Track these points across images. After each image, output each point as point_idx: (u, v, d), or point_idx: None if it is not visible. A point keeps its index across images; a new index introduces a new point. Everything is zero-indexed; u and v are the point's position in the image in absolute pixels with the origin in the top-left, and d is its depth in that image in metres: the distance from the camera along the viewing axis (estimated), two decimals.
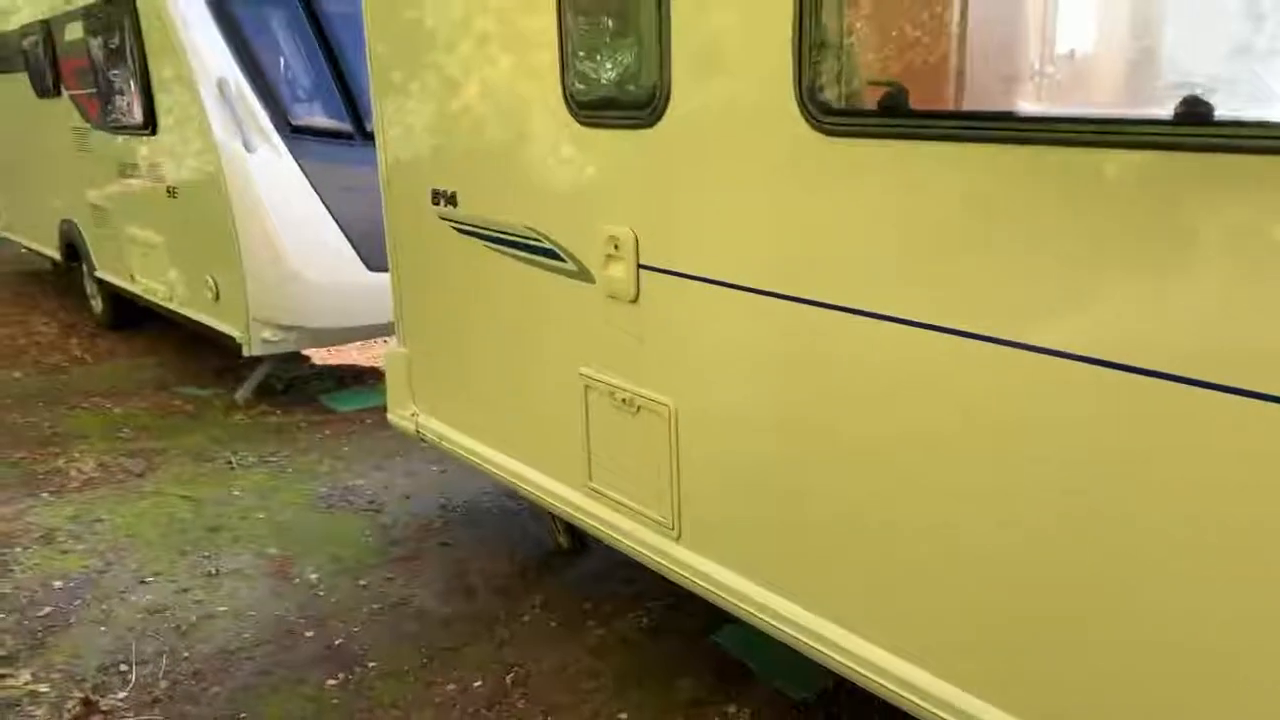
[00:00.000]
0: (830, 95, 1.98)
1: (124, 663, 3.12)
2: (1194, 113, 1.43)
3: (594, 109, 2.57)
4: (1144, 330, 1.53)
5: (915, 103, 1.94)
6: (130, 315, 7.16)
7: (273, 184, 5.08)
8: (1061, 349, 1.64)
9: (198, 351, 6.55)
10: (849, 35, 1.96)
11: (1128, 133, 1.50)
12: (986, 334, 1.77)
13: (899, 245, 1.90)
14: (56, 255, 7.96)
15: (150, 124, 5.62)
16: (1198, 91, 1.45)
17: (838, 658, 2.20)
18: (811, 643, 2.26)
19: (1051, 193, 1.61)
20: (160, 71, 5.41)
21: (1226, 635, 1.52)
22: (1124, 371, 1.56)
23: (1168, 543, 1.57)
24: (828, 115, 1.96)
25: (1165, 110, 1.46)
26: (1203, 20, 1.68)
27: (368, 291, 5.13)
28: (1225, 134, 1.40)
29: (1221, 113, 1.42)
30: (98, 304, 7.47)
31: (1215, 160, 1.40)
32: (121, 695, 2.96)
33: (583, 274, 2.73)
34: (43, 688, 3.00)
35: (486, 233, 3.09)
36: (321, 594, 3.54)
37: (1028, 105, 2.03)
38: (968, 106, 2.05)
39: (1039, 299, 1.67)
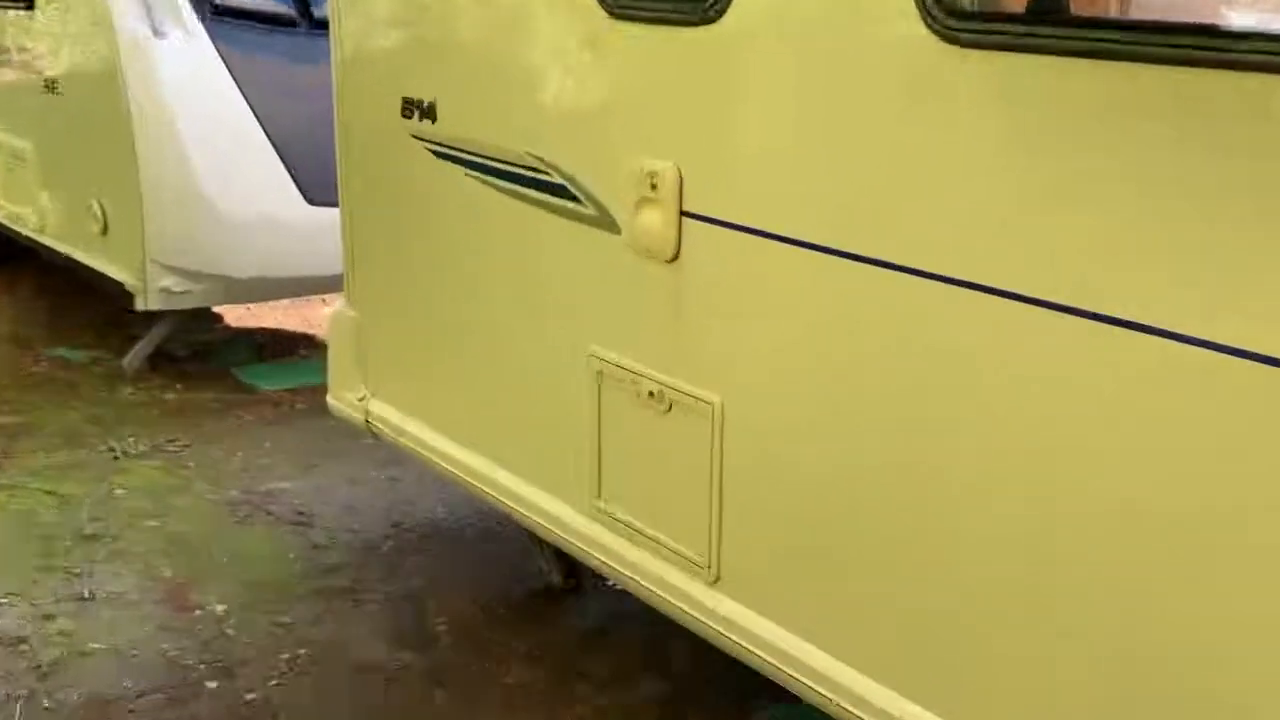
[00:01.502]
0: None
1: None
2: None
3: None
4: None
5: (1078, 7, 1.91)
6: None
7: (186, 81, 5.10)
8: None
9: (76, 302, 6.55)
10: None
11: None
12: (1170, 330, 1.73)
13: (1048, 204, 1.85)
14: None
15: None
16: None
17: None
18: None
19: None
20: None
21: None
22: None
23: None
24: (958, 18, 1.92)
25: None
26: None
27: (306, 232, 5.17)
28: None
29: None
30: None
31: None
32: None
33: (604, 220, 2.74)
34: None
35: (474, 159, 3.10)
36: (230, 633, 3.54)
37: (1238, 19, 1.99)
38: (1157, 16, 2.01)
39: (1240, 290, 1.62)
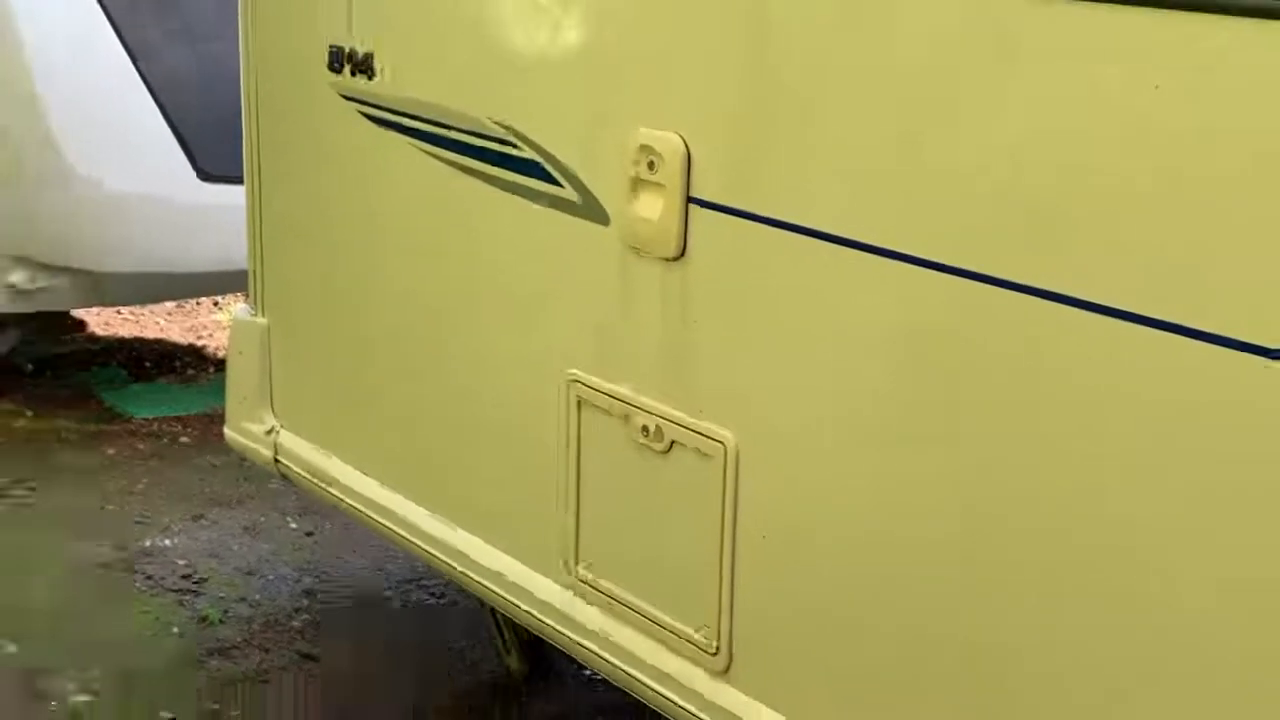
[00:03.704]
0: None
1: None
2: None
3: None
4: None
5: None
6: None
7: (46, 22, 5.11)
8: None
9: None
10: None
11: None
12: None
13: (1159, 202, 1.89)
14: None
15: None
16: None
17: None
18: None
19: None
20: None
21: None
22: None
23: None
24: None
25: None
26: None
27: (199, 214, 5.24)
28: None
29: None
30: None
31: None
32: None
33: (588, 208, 2.76)
34: None
35: (423, 127, 3.13)
36: None
37: None
38: None
39: None
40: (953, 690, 2.28)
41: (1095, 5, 1.92)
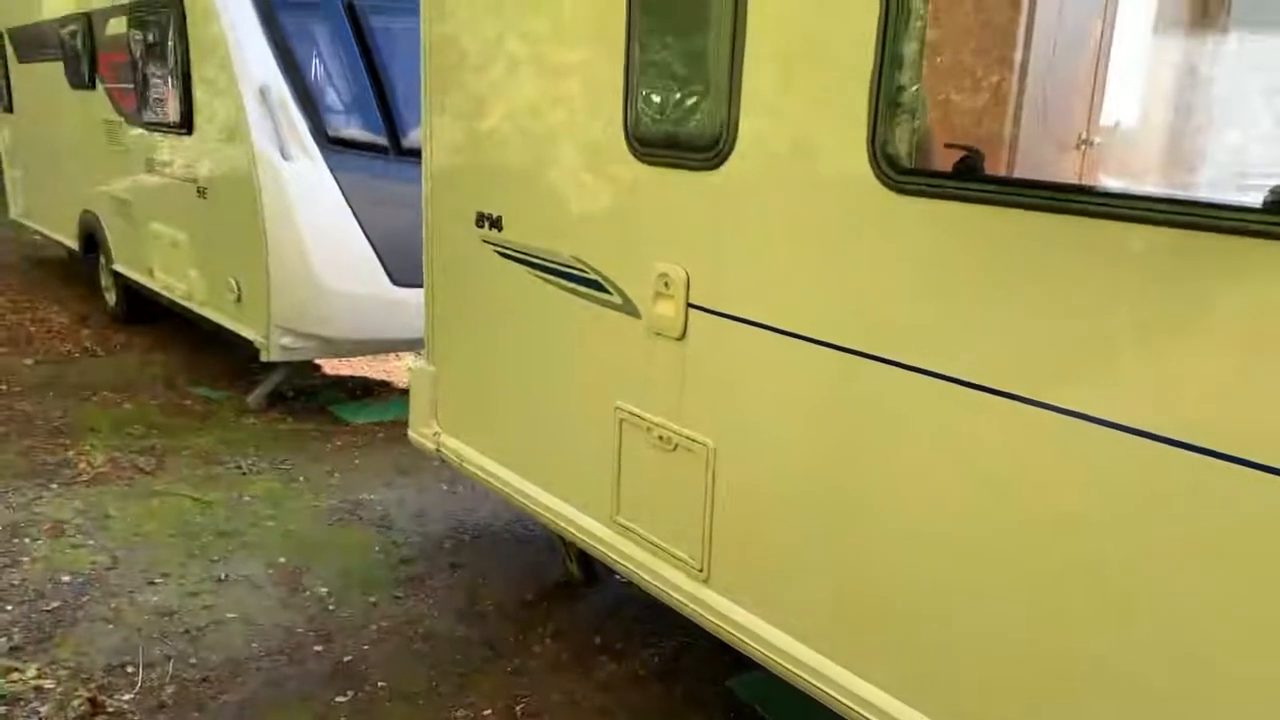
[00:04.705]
0: (903, 154, 2.00)
1: (131, 664, 3.10)
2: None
3: (655, 146, 2.59)
4: (1223, 407, 1.55)
5: (990, 168, 1.96)
6: (143, 310, 7.17)
7: (306, 192, 5.11)
8: (1150, 429, 1.64)
9: (209, 352, 6.55)
10: (927, 96, 1.99)
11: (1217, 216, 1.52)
12: (1044, 401, 1.78)
13: (961, 306, 1.91)
14: (74, 245, 7.97)
15: (187, 124, 5.66)
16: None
17: (863, 713, 2.19)
18: (838, 697, 2.25)
19: (1131, 269, 1.63)
20: (202, 74, 5.45)
21: None
22: (1204, 455, 1.57)
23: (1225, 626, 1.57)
24: (900, 174, 1.99)
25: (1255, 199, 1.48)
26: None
27: (390, 306, 5.18)
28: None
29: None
30: (111, 297, 7.48)
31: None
32: (128, 697, 2.93)
33: (628, 308, 2.75)
34: (48, 684, 2.97)
35: (530, 259, 3.11)
36: (331, 608, 3.52)
37: (1107, 181, 2.06)
38: (1043, 177, 2.07)
39: (1106, 374, 1.68)
40: (824, 582, 2.28)
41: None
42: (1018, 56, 2.54)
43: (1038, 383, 1.78)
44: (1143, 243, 1.62)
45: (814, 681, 2.32)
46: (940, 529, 2.01)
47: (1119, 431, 1.66)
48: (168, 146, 6.00)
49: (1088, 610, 1.76)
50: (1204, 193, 1.91)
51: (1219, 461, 1.55)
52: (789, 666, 2.38)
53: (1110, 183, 2.08)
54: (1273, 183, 1.50)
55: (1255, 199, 1.49)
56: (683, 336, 2.58)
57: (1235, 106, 2.25)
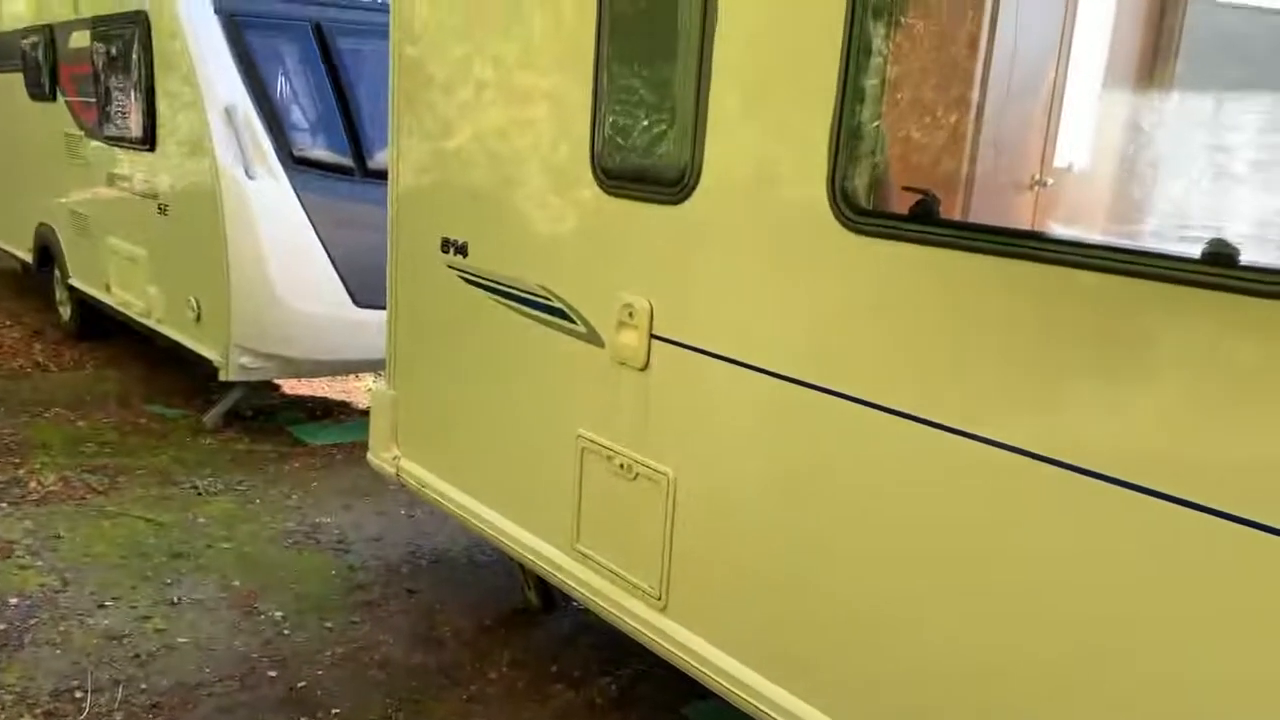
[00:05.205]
0: (861, 195, 2.06)
1: (79, 689, 3.05)
2: (1219, 254, 1.53)
3: (621, 179, 2.63)
4: (1148, 442, 1.61)
5: (946, 212, 2.03)
6: (98, 326, 7.06)
7: (269, 212, 5.08)
8: (1078, 463, 1.70)
9: (165, 369, 6.46)
10: (886, 140, 2.05)
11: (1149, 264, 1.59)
12: (991, 439, 1.84)
13: (914, 345, 1.97)
14: (28, 258, 7.85)
15: (149, 140, 5.61)
16: (1222, 236, 1.55)
17: None
18: None
19: (1077, 312, 1.69)
20: (167, 90, 5.42)
21: None
22: (1134, 491, 1.63)
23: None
24: (858, 214, 2.04)
25: (1193, 250, 1.55)
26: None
27: (352, 327, 5.15)
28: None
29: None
30: (66, 311, 7.37)
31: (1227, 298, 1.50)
32: None
33: (592, 337, 2.77)
34: None
35: (495, 286, 3.12)
36: (286, 633, 3.49)
37: (1055, 227, 2.13)
38: (995, 222, 2.13)
39: (1045, 410, 1.74)
40: (781, 611, 2.31)
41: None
42: (975, 99, 2.62)
43: (985, 420, 1.83)
44: (1089, 287, 1.68)
45: (769, 711, 2.34)
46: (894, 562, 2.05)
47: (1061, 469, 1.72)
48: (129, 162, 5.94)
49: (1040, 640, 1.81)
50: (1148, 241, 1.99)
51: (1158, 501, 1.61)
52: (744, 696, 2.40)
53: (1059, 228, 2.15)
54: (1210, 235, 1.57)
55: (1195, 250, 1.55)
56: (645, 367, 2.60)
57: (1178, 158, 2.34)
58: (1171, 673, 1.62)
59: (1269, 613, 1.50)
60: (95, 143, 6.36)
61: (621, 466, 2.71)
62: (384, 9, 3.59)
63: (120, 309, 6.27)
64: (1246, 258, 1.52)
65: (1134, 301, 1.62)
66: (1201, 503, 1.55)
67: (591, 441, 2.80)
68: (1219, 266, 1.51)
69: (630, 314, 2.61)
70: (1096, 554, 1.70)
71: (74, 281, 7.00)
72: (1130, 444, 1.64)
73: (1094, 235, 2.13)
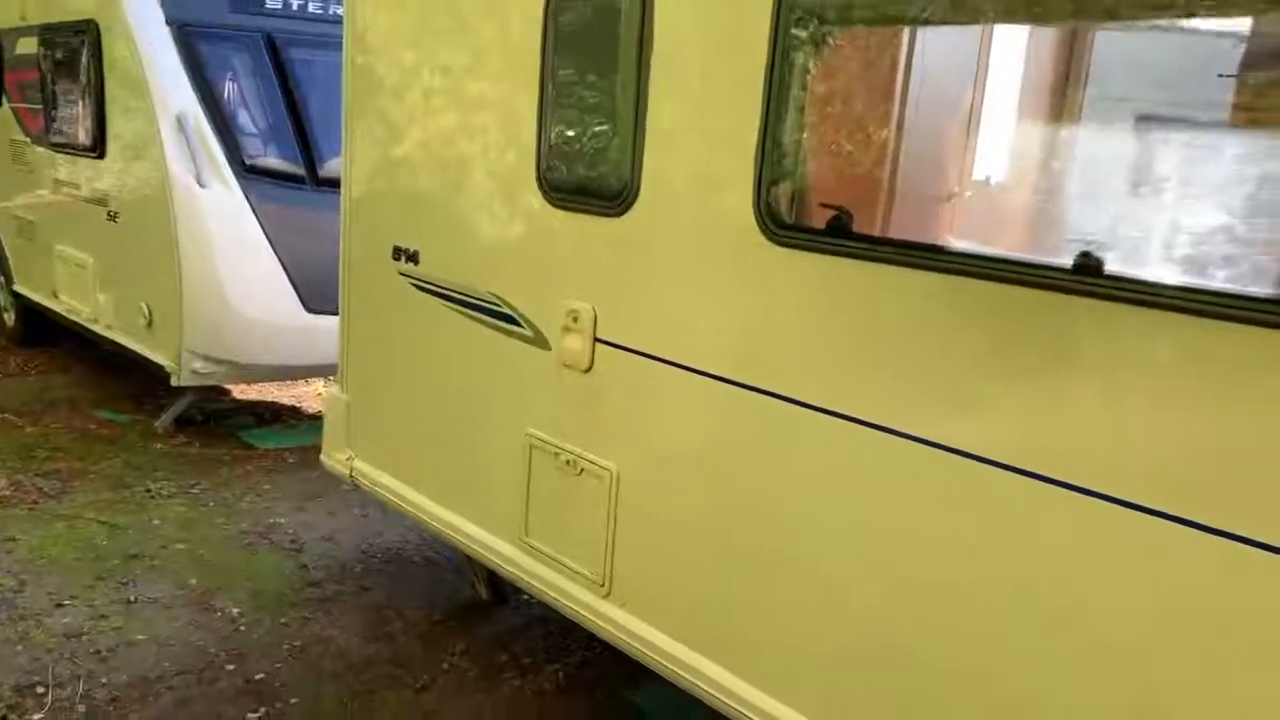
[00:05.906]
0: (784, 210, 2.24)
1: (40, 684, 3.13)
2: (1085, 265, 1.74)
3: (566, 193, 2.78)
4: (1035, 435, 1.82)
5: (858, 227, 2.22)
6: (44, 332, 7.04)
7: (221, 219, 5.14)
8: (971, 450, 1.91)
9: (114, 375, 6.47)
10: (807, 158, 2.24)
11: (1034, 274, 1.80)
12: (897, 429, 2.03)
13: (830, 348, 2.16)
14: None
15: (99, 147, 5.64)
16: (1091, 248, 1.76)
17: (746, 714, 2.38)
18: (735, 705, 2.42)
19: (968, 318, 1.90)
20: (117, 98, 5.46)
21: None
22: (1024, 476, 1.84)
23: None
24: (780, 228, 2.23)
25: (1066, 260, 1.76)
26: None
27: (303, 333, 5.23)
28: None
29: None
30: (10, 318, 7.33)
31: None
32: (38, 717, 2.97)
33: (539, 341, 2.90)
34: None
35: (446, 292, 3.23)
36: (242, 629, 3.58)
37: (952, 239, 2.33)
38: (900, 236, 2.33)
39: (945, 404, 1.94)
40: (722, 596, 2.45)
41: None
42: (894, 118, 2.82)
43: (892, 415, 2.03)
44: (980, 294, 1.89)
45: (709, 689, 2.49)
46: (816, 544, 2.24)
47: (956, 456, 1.92)
48: (77, 169, 5.96)
49: (962, 627, 1.99)
50: (1045, 252, 2.19)
51: (1054, 488, 1.80)
52: (684, 675, 2.55)
53: (959, 242, 2.36)
54: (1086, 247, 1.78)
55: (1068, 260, 1.76)
56: (590, 369, 2.75)
57: (1070, 175, 2.56)
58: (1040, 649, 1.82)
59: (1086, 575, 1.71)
60: (42, 149, 6.36)
61: (567, 463, 2.85)
62: (336, 20, 3.70)
63: (68, 316, 6.27)
64: (1113, 268, 1.74)
65: (1017, 306, 1.83)
66: (1070, 482, 1.76)
67: (539, 440, 2.93)
68: (1086, 275, 1.72)
69: (575, 319, 2.76)
70: (986, 527, 1.91)
71: (19, 288, 6.97)
72: (1013, 434, 1.85)
73: (989, 248, 2.33)
